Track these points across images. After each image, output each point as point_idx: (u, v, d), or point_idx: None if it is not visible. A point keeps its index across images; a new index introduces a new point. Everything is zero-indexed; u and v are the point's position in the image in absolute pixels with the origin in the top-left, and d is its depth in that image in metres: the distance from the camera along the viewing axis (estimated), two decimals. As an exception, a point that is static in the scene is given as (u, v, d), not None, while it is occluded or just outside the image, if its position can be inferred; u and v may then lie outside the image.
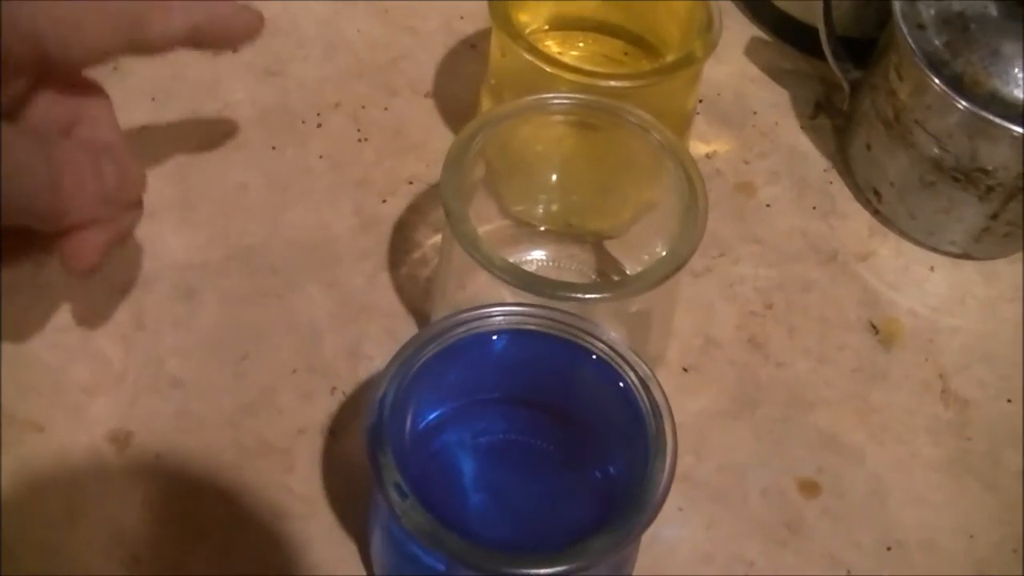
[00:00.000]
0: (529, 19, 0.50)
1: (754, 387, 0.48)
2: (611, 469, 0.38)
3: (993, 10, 0.50)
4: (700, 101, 0.56)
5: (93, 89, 0.41)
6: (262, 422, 0.44)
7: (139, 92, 0.53)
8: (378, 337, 0.47)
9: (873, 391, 0.48)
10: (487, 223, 0.49)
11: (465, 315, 0.37)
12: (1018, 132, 0.47)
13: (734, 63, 0.60)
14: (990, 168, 0.49)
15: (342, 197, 0.51)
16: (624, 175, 0.48)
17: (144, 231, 0.47)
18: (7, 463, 0.42)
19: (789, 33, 0.61)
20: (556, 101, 0.44)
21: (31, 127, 0.39)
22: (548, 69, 0.44)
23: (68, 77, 0.40)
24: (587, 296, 0.39)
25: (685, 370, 0.48)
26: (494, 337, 0.37)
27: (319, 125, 0.54)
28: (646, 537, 0.34)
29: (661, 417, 0.35)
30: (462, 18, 0.59)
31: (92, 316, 0.46)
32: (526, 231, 0.50)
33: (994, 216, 0.51)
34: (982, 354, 0.50)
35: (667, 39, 0.50)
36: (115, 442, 0.43)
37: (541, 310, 0.37)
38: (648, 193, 0.48)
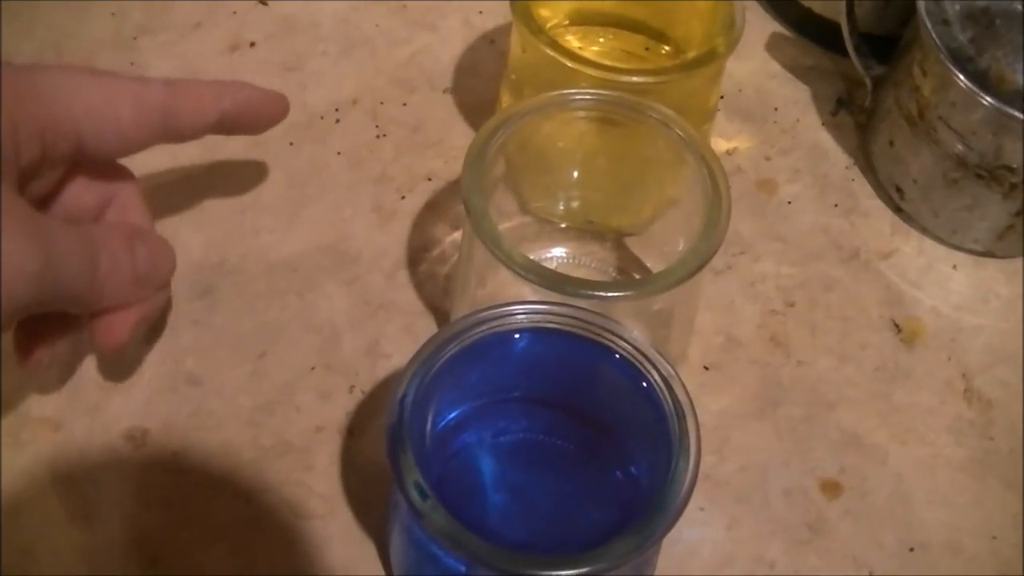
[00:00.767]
0: (549, 14, 0.50)
1: (776, 386, 0.47)
2: (633, 469, 0.38)
3: (1019, 6, 0.49)
4: (721, 97, 0.56)
5: (122, 173, 0.42)
6: (280, 421, 0.44)
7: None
8: (397, 335, 0.47)
9: (895, 390, 0.48)
10: (507, 220, 0.48)
11: (486, 313, 0.36)
12: (1044, 129, 0.46)
13: (755, 59, 0.60)
14: (1014, 165, 0.48)
15: (360, 194, 0.51)
16: (646, 172, 0.48)
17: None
18: (23, 462, 0.42)
19: (811, 29, 0.60)
20: (577, 97, 0.43)
21: (65, 213, 0.39)
22: (569, 64, 0.44)
23: (101, 166, 0.40)
24: (610, 294, 0.38)
25: (706, 369, 0.47)
26: (516, 336, 0.37)
27: (337, 121, 0.54)
28: (667, 537, 0.33)
29: (685, 417, 0.34)
30: (481, 13, 0.59)
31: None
32: (546, 228, 0.50)
33: (1018, 214, 0.50)
34: (1005, 353, 0.50)
35: (688, 35, 0.50)
36: (132, 440, 0.43)
37: (563, 308, 0.37)
38: (670, 190, 0.48)
